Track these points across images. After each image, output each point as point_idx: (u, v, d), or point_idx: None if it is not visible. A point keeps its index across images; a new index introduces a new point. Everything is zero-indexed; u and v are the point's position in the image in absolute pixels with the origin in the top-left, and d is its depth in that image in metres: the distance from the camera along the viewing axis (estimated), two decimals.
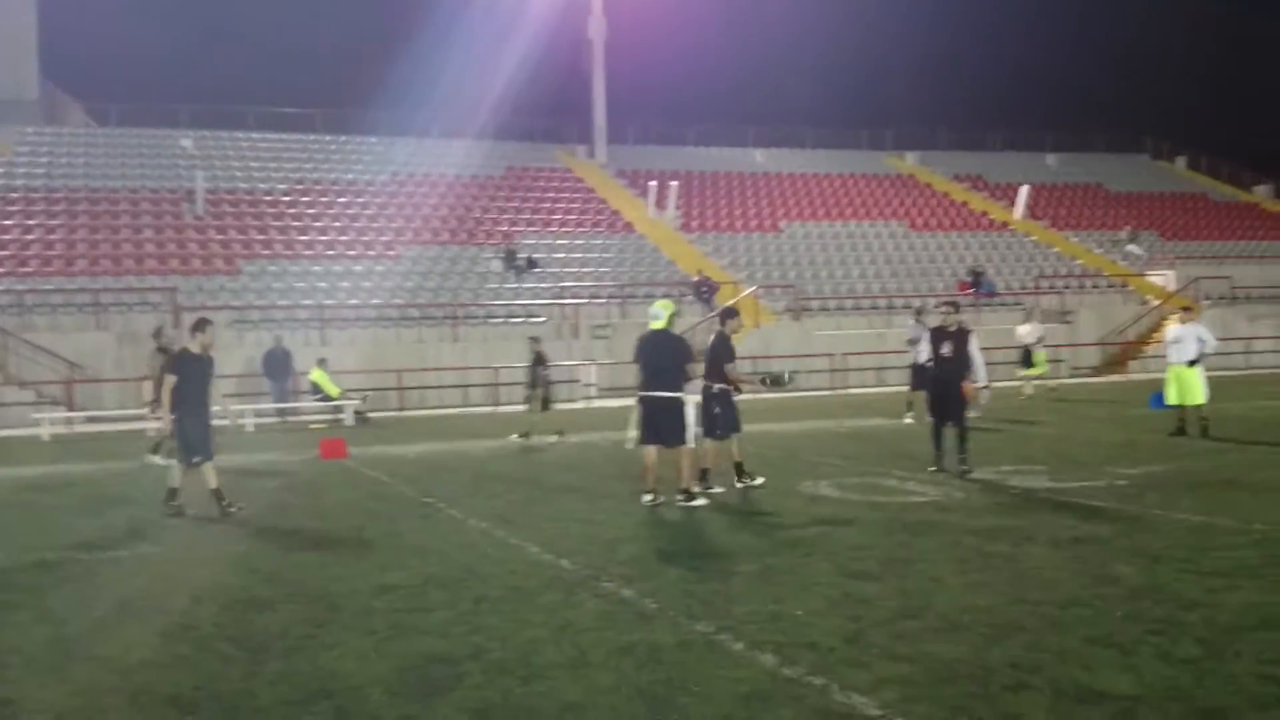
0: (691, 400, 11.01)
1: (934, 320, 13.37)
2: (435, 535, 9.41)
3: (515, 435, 18.91)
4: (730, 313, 12.02)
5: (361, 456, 16.48)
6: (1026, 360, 25.65)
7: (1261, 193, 53.24)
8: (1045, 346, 26.68)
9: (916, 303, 30.87)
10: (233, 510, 10.82)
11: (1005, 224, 45.08)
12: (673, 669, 5.34)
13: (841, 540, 8.55)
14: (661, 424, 10.69)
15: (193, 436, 11.00)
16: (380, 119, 45.92)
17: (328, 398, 24.75)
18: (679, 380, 10.71)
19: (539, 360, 19.49)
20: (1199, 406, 15.60)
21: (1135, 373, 33.94)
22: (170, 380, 11.03)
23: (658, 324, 10.81)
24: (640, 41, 50.08)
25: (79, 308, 27.63)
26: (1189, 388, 15.61)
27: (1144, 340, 36.83)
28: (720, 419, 11.54)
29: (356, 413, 24.28)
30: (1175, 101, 68.15)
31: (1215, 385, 16.46)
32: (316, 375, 25.04)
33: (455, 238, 36.80)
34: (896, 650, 5.51)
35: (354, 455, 16.52)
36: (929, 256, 40.85)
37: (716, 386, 11.50)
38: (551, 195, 42.11)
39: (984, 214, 46.08)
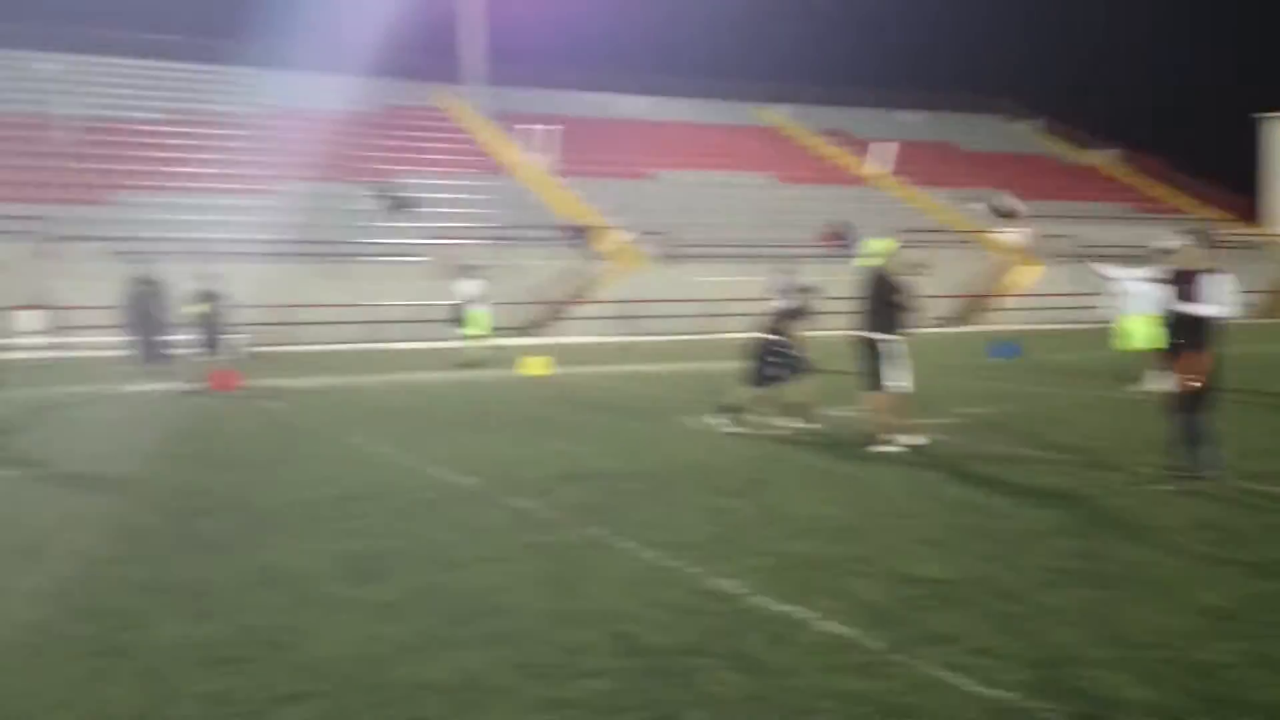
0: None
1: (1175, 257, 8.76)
2: (344, 459, 10.17)
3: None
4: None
5: (253, 389, 16.96)
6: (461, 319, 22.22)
7: (1103, 157, 56.42)
8: (488, 306, 22.69)
9: (785, 253, 32.30)
10: None
11: (867, 179, 46.98)
12: (573, 562, 6.32)
13: (713, 465, 9.65)
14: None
15: None
16: (253, 49, 45.04)
17: None
18: (876, 322, 10.46)
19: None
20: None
21: (982, 325, 36.16)
22: None
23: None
24: None
25: None
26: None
27: (991, 295, 39.17)
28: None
29: (242, 347, 24.47)
30: (1029, 65, 71.15)
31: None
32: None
33: (331, 175, 36.72)
34: (757, 548, 6.60)
35: (245, 387, 16.99)
36: (795, 208, 42.42)
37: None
38: (427, 135, 42.19)
39: (848, 168, 47.89)
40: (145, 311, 17.36)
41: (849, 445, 10.74)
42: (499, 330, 30.50)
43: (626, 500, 8.09)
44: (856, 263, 11.08)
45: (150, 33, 44.48)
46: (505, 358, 21.69)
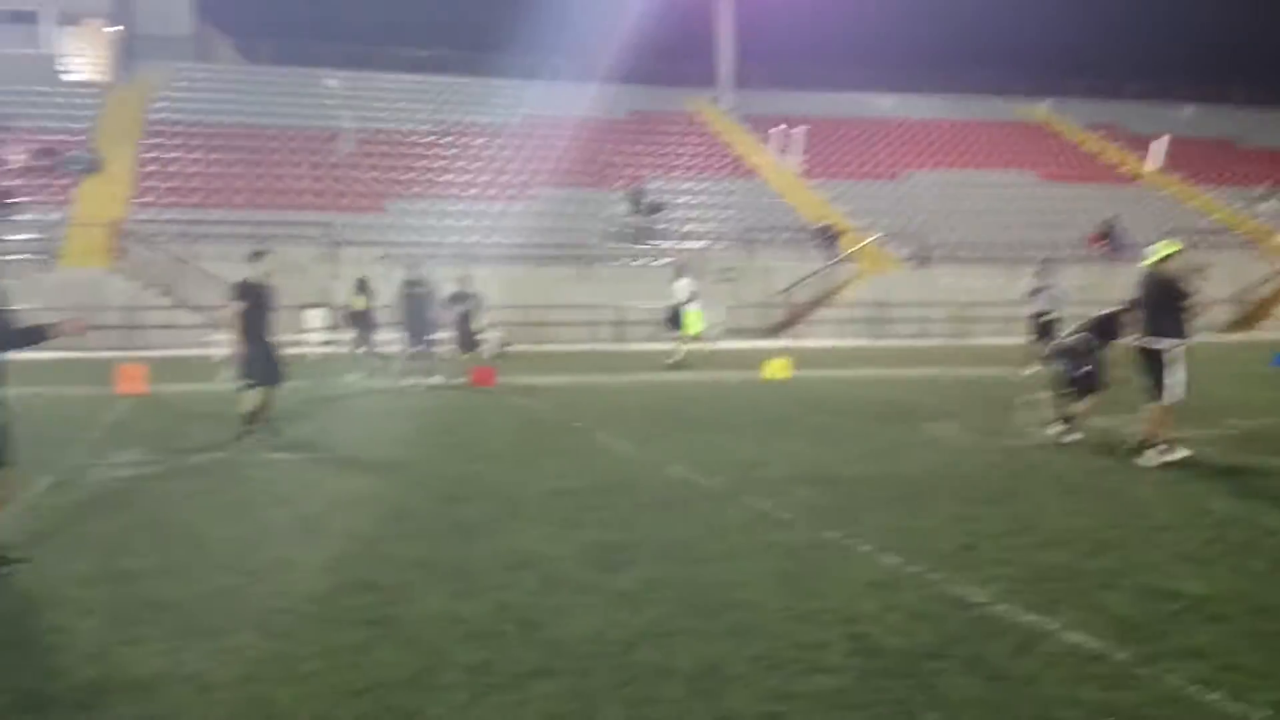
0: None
1: None
2: (588, 453, 10.60)
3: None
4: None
5: (507, 385, 17.82)
6: (676, 321, 22.26)
7: None
8: (699, 305, 22.59)
9: (1045, 255, 30.96)
10: (246, 440, 11.20)
11: (1138, 176, 44.38)
12: (809, 562, 6.38)
13: (960, 473, 9.44)
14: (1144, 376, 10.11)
15: (253, 362, 11.43)
16: (513, 61, 47.07)
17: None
18: (1158, 326, 9.96)
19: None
20: None
21: (1267, 332, 33.51)
22: (237, 306, 11.37)
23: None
24: None
25: (242, 239, 29.59)
26: None
27: (1274, 300, 36.26)
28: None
29: (498, 345, 25.70)
30: None
31: None
32: None
33: (584, 181, 37.94)
34: (1005, 558, 6.46)
35: (500, 384, 17.87)
36: (1058, 208, 40.59)
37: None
38: (676, 140, 42.90)
39: (1116, 165, 45.39)
40: (414, 311, 18.52)
41: (1110, 455, 10.29)
42: (739, 332, 30.80)
43: (866, 504, 8.07)
44: (1141, 265, 10.53)
45: (421, 48, 47.48)
46: (745, 360, 21.85)
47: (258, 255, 12.05)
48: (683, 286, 22.17)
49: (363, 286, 20.55)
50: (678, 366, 21.28)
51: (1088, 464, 9.88)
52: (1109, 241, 36.57)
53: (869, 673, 4.57)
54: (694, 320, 22.08)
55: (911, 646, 4.89)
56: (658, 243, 34.13)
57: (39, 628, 5.27)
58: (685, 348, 21.92)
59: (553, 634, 5.05)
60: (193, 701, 4.32)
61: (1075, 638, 4.98)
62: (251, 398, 11.54)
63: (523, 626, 5.15)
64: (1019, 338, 25.53)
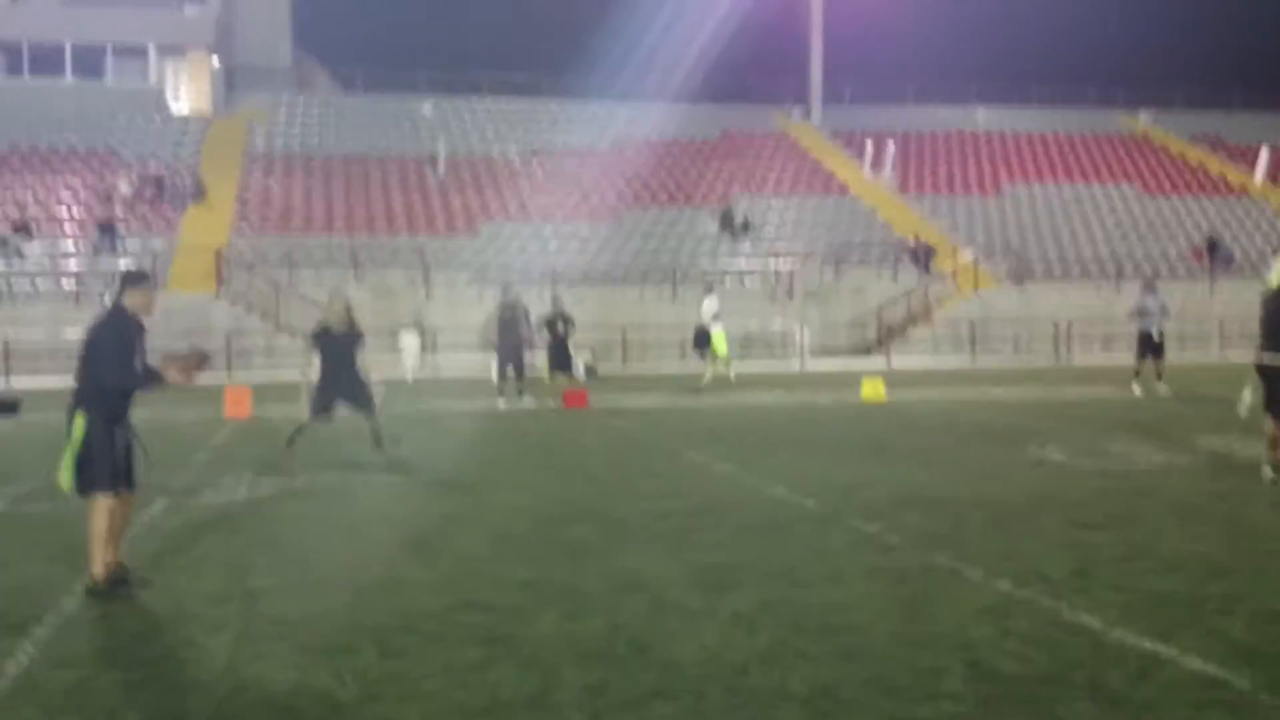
0: None
1: None
2: (688, 475, 10.64)
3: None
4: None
5: (600, 407, 17.96)
6: (705, 342, 22.42)
7: None
8: (721, 327, 22.51)
9: (1147, 270, 30.24)
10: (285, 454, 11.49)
11: (1244, 188, 43.13)
12: (918, 586, 6.34)
13: (1069, 497, 9.26)
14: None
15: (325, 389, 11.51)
16: (601, 83, 47.48)
17: None
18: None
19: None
20: None
21: None
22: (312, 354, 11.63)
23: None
24: None
25: (339, 264, 30.33)
26: None
27: None
28: None
29: (586, 366, 25.91)
30: None
31: None
32: None
33: (673, 200, 38.09)
34: (1119, 584, 6.33)
35: (593, 405, 18.01)
36: (1162, 221, 39.64)
37: None
38: (767, 157, 42.81)
39: (1222, 177, 44.17)
40: (508, 334, 18.73)
41: (1229, 478, 10.02)
42: (830, 351, 30.57)
43: (973, 528, 7.97)
44: (1269, 281, 10.21)
45: (511, 72, 48.27)
46: (836, 381, 21.69)
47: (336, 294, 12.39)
48: (708, 307, 22.09)
49: None
50: (705, 389, 21.03)
51: (1200, 487, 9.64)
52: (1213, 256, 35.57)
53: (988, 699, 4.53)
54: (719, 342, 21.91)
55: (1029, 672, 4.83)
56: (749, 262, 34.08)
57: (171, 645, 5.48)
58: (712, 371, 21.97)
59: (666, 655, 5.09)
60: (324, 719, 4.45)
61: (1195, 664, 4.89)
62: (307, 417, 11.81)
63: (636, 648, 5.20)
64: (1123, 356, 24.99)
